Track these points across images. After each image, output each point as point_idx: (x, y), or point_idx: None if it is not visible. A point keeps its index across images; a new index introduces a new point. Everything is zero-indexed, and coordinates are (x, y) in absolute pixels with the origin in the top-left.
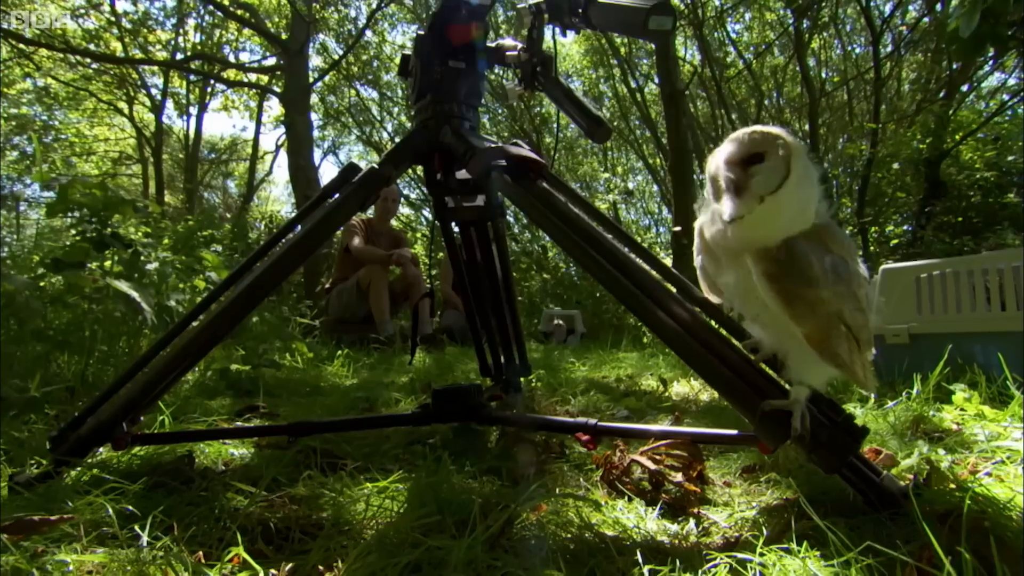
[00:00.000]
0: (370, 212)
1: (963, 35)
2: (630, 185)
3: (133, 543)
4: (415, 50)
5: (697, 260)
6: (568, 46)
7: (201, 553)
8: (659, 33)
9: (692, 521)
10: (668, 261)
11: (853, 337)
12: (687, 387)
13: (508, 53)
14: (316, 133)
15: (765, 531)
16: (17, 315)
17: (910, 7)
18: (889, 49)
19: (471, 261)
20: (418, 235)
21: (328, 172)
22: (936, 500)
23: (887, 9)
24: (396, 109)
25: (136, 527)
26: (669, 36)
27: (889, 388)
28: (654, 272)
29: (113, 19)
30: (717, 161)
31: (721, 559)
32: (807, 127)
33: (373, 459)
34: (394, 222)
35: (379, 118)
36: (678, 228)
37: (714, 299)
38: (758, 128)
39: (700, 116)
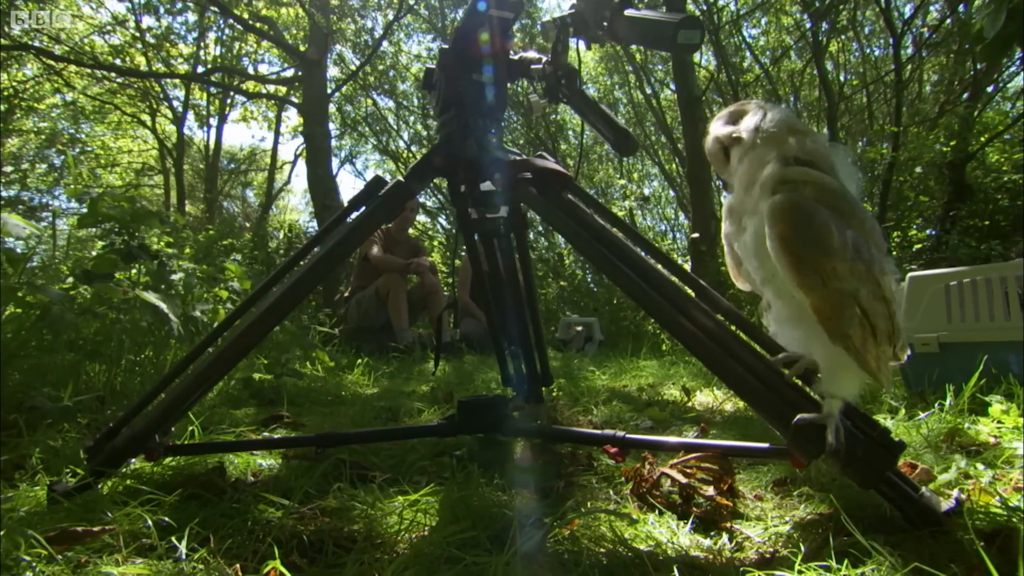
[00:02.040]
0: None
1: (988, 36)
2: (646, 191)
3: (171, 555)
4: (439, 64)
5: (724, 228)
6: (583, 53)
7: (238, 566)
8: (687, 47)
9: (725, 536)
10: (686, 267)
11: (869, 324)
12: (711, 397)
13: (532, 66)
14: (333, 143)
15: (802, 547)
16: (51, 326)
17: (931, 8)
18: (910, 51)
19: (494, 272)
20: (435, 243)
21: (345, 181)
22: (980, 518)
23: (907, 11)
24: (412, 118)
25: (173, 539)
26: (697, 50)
27: (920, 399)
28: (681, 283)
29: (138, 35)
30: (714, 134)
31: None
32: (826, 131)
33: (401, 470)
34: (410, 230)
35: (396, 127)
36: (696, 235)
37: (741, 284)
38: (731, 105)
39: None
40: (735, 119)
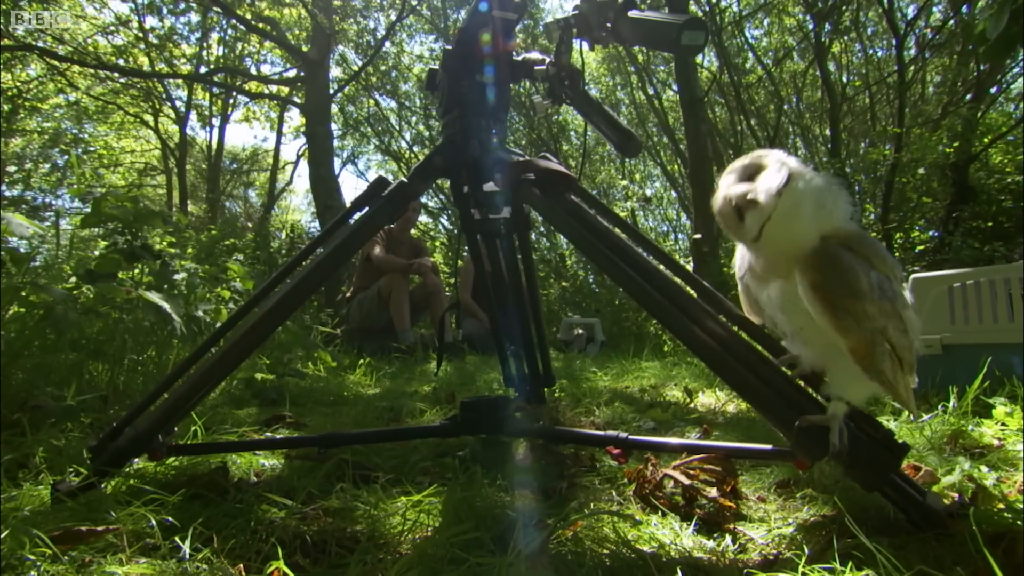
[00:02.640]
0: None
1: (991, 36)
2: (648, 192)
3: (175, 554)
4: (442, 64)
5: (739, 275)
6: (585, 54)
7: (242, 566)
8: (691, 48)
9: (728, 538)
10: (688, 268)
11: (896, 357)
12: (713, 398)
13: (536, 67)
14: (336, 143)
15: (806, 549)
16: (55, 325)
17: (934, 9)
18: (913, 52)
19: (496, 273)
20: (437, 243)
21: (348, 181)
22: (985, 521)
23: (910, 12)
24: (414, 119)
25: (177, 538)
26: (701, 51)
27: (923, 400)
28: (686, 285)
29: (141, 35)
30: (724, 193)
31: None
32: (828, 132)
33: (404, 471)
34: (412, 230)
35: (398, 128)
36: (699, 235)
37: (755, 319)
38: (751, 154)
39: (719, 123)
40: (750, 175)
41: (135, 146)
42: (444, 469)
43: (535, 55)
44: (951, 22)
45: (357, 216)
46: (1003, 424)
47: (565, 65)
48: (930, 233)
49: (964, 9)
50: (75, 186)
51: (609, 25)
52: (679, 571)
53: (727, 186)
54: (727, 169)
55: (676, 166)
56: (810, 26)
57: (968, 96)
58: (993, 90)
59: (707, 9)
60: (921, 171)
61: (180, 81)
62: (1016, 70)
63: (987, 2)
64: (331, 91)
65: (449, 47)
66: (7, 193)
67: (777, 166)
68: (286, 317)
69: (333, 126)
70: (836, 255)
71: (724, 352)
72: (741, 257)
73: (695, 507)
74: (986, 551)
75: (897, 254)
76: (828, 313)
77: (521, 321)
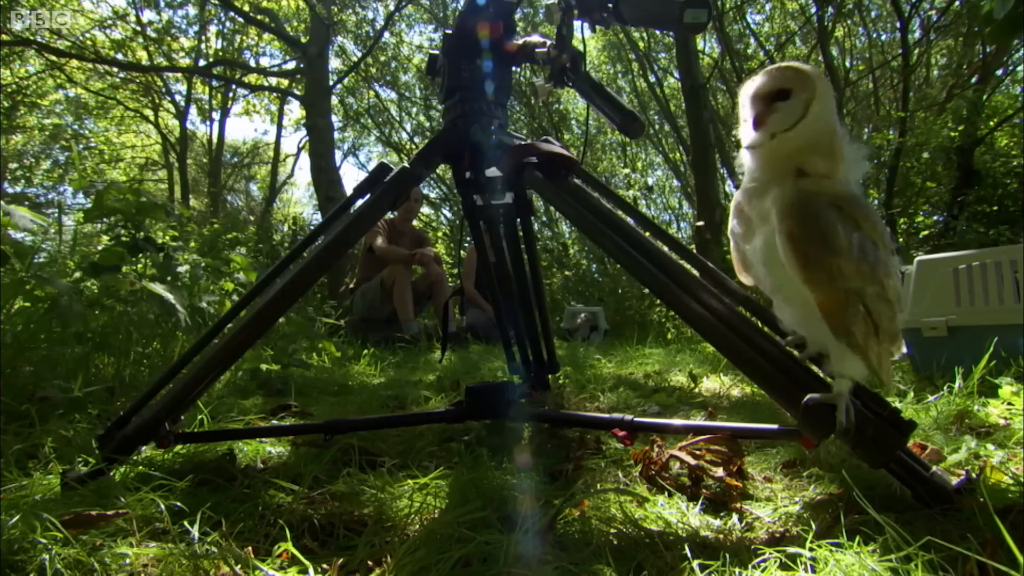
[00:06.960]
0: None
1: (998, 17)
2: (650, 180)
3: (184, 538)
4: (443, 49)
5: (730, 229)
6: (586, 40)
7: (250, 548)
8: (694, 26)
9: (735, 516)
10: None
11: (872, 323)
12: (717, 383)
13: (537, 50)
14: (336, 135)
15: (813, 526)
16: (60, 317)
17: None
18: (917, 35)
19: (499, 259)
20: (438, 234)
21: (348, 173)
22: (992, 496)
23: None
24: (415, 109)
25: (186, 523)
26: (703, 30)
27: (928, 382)
28: (690, 267)
29: (139, 29)
30: (748, 90)
31: (770, 554)
32: None
33: (410, 456)
34: (414, 221)
35: (398, 119)
36: (701, 223)
37: (746, 279)
38: (791, 64)
39: (721, 109)
40: (778, 90)
41: (136, 141)
42: (450, 454)
43: (536, 38)
44: (956, 3)
45: (360, 203)
46: (1009, 404)
47: (566, 47)
48: (934, 218)
49: None
50: (77, 179)
51: (611, 5)
52: (686, 548)
53: (755, 88)
54: (769, 67)
55: (678, 154)
56: (812, 10)
57: (974, 79)
58: (999, 72)
59: None
60: (926, 155)
61: (179, 75)
62: (1023, 52)
63: None
64: (331, 83)
65: (449, 32)
66: (9, 190)
67: (796, 105)
68: (291, 304)
69: (333, 118)
70: (818, 210)
71: (729, 332)
72: (734, 208)
73: (701, 487)
74: (997, 520)
75: (901, 239)
76: (800, 264)
77: (525, 308)
